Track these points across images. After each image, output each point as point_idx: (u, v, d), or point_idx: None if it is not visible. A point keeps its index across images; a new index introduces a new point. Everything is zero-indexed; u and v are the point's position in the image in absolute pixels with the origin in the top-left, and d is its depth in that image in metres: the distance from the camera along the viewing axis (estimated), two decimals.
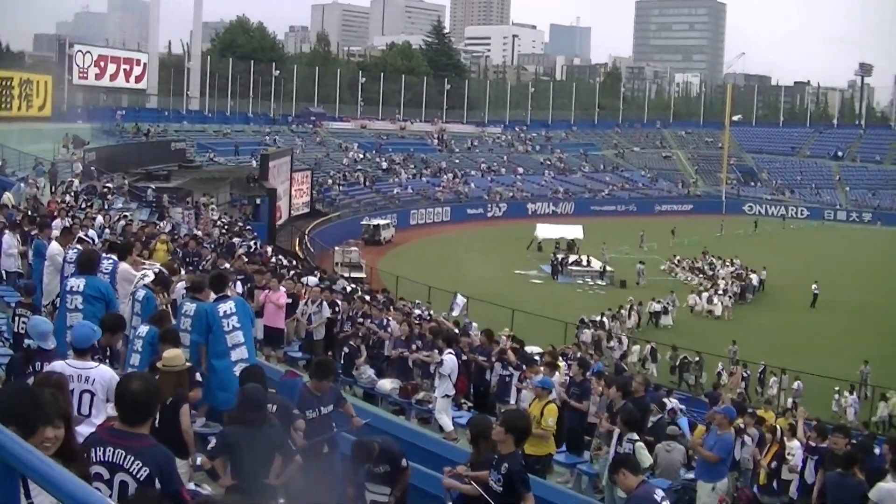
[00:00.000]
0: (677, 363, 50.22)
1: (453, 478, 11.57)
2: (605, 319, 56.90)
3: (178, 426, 10.86)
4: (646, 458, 16.02)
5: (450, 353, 21.98)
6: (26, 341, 12.71)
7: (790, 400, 43.58)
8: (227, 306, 14.84)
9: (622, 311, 60.04)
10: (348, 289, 38.09)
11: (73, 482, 4.20)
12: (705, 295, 67.90)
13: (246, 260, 36.26)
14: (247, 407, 10.86)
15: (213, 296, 15.53)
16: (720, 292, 68.45)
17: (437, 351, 22.51)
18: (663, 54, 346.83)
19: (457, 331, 29.52)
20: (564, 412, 18.26)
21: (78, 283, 14.81)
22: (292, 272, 39.25)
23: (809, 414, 27.01)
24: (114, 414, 8.14)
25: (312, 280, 37.43)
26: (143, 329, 14.10)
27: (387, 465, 12.51)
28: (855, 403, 44.22)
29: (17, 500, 4.37)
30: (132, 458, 7.14)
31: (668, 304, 63.54)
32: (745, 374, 47.56)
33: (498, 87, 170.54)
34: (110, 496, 6.84)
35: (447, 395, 21.86)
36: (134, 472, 7.11)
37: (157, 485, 7.18)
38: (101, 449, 7.19)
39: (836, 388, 45.29)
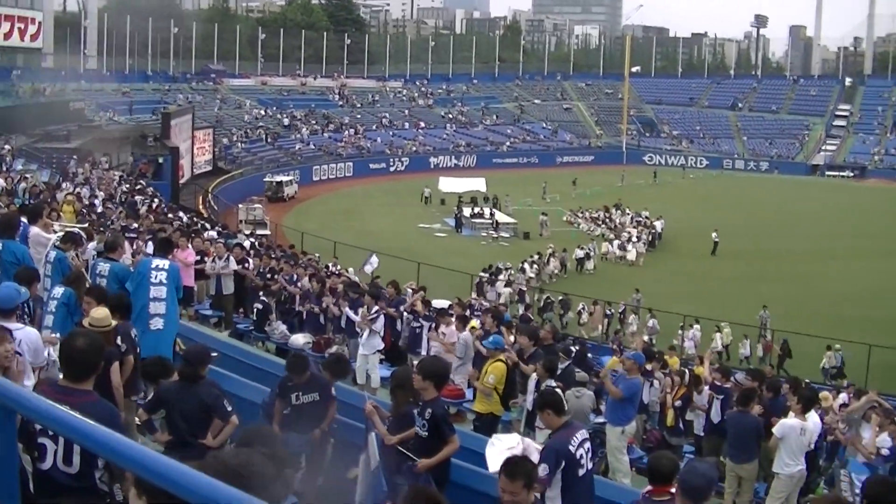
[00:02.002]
0: (542, 304, 51.71)
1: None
2: (525, 266, 58.40)
3: (109, 384, 10.99)
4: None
5: (377, 309, 22.34)
6: None
7: (646, 337, 44.42)
8: (163, 263, 15.06)
9: (543, 257, 61.53)
10: (246, 244, 38.00)
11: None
12: (616, 242, 69.67)
13: (153, 219, 36.18)
14: (185, 363, 11.10)
15: (125, 255, 15.67)
16: (633, 240, 70.10)
17: (366, 307, 22.64)
18: (562, 6, 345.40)
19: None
20: (515, 372, 18.51)
21: None
22: (192, 229, 39.22)
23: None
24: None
25: (212, 234, 37.47)
26: (58, 290, 13.95)
27: (316, 393, 12.88)
28: (694, 337, 46.05)
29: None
30: (77, 413, 7.32)
31: (590, 250, 65.65)
32: (607, 313, 50.24)
33: (398, 41, 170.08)
34: (55, 451, 7.01)
35: (378, 351, 22.18)
36: None
37: None
38: None
39: (680, 324, 47.27)
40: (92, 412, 7.37)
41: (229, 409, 11.05)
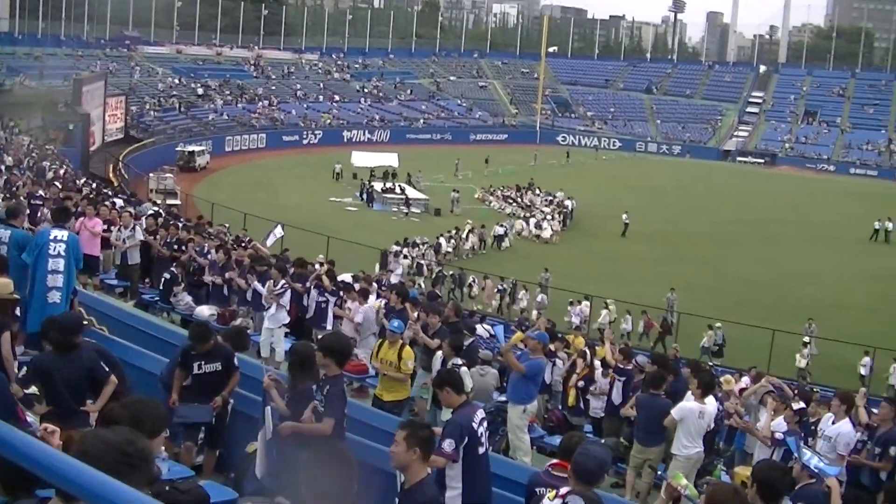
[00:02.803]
0: (434, 277, 52.78)
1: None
2: (441, 241, 59.08)
3: None
4: (469, 382, 16.47)
5: (284, 283, 22.33)
6: None
7: (535, 312, 46.09)
8: (61, 234, 14.88)
9: (462, 233, 62.49)
10: (150, 211, 37.71)
11: None
12: (533, 220, 70.59)
13: (59, 187, 35.79)
14: (57, 332, 10.98)
15: (26, 222, 15.55)
16: (549, 218, 71.20)
17: (273, 281, 22.60)
18: None
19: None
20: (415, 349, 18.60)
21: None
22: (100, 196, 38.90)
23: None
24: None
25: (118, 202, 37.16)
26: None
27: (218, 363, 12.82)
28: (581, 313, 46.59)
29: None
30: None
31: (507, 227, 66.98)
32: (499, 288, 51.13)
33: (315, 13, 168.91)
34: None
35: (283, 325, 22.18)
36: None
37: None
38: None
39: (569, 300, 48.04)
40: None
41: (107, 370, 10.99)
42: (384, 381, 17.67)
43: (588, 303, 47.57)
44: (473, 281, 52.42)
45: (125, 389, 10.94)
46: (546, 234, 68.70)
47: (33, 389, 10.81)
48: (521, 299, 50.17)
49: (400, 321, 18.16)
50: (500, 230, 65.68)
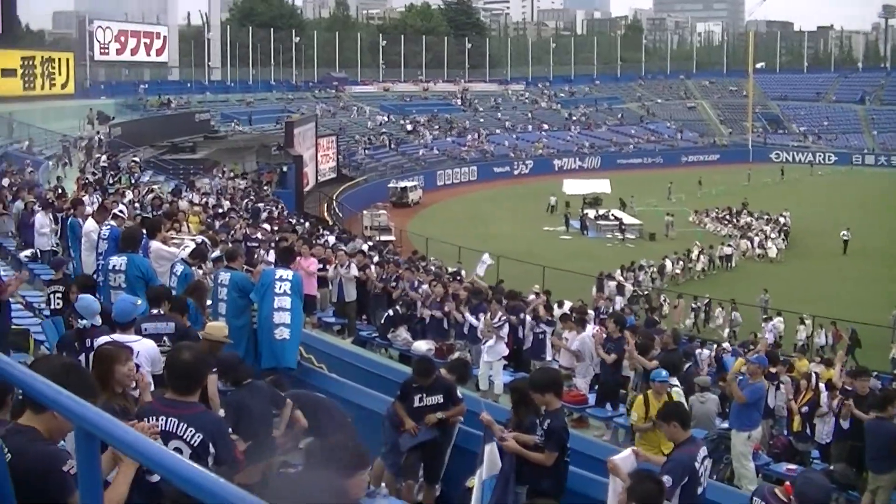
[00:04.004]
0: (629, 298, 51.80)
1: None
2: (666, 262, 60.02)
3: (206, 394, 11.09)
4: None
5: (502, 315, 22.34)
6: (80, 321, 12.90)
7: (727, 330, 47.26)
8: (286, 273, 15.13)
9: (692, 254, 63.37)
10: (364, 248, 38.22)
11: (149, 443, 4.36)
12: (756, 239, 70.35)
13: (268, 228, 36.58)
14: (228, 370, 11.14)
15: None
16: (772, 236, 71.03)
17: (490, 314, 22.60)
18: (684, 4, 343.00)
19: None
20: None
21: (120, 261, 14.94)
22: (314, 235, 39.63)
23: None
24: None
25: (331, 239, 37.74)
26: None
27: (440, 395, 12.82)
28: (774, 329, 46.13)
29: (96, 466, 4.53)
30: (185, 426, 7.42)
31: (734, 247, 67.66)
32: (693, 307, 51.39)
33: (519, 43, 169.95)
34: None
35: (502, 358, 22.16)
36: (188, 439, 7.37)
37: (211, 449, 7.43)
38: (154, 418, 7.41)
39: (764, 317, 48.75)
40: (200, 424, 7.45)
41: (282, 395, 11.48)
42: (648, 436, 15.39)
43: (781, 318, 47.02)
44: (664, 300, 52.46)
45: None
46: (772, 252, 68.39)
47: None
48: (717, 317, 50.31)
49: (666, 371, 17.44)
50: (728, 250, 66.22)
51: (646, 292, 53.32)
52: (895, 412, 16.10)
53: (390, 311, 25.47)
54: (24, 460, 5.19)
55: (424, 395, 12.79)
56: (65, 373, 6.11)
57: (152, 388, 9.23)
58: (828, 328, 46.52)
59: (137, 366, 9.88)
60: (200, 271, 16.72)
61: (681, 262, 61.31)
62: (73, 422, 4.61)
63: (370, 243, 43.70)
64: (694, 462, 10.08)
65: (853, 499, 17.02)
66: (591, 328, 22.81)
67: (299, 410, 11.38)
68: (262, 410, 10.88)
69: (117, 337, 10.36)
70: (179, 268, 16.02)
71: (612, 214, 79.77)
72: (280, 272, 15.25)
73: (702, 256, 63.35)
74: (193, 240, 18.71)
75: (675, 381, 16.78)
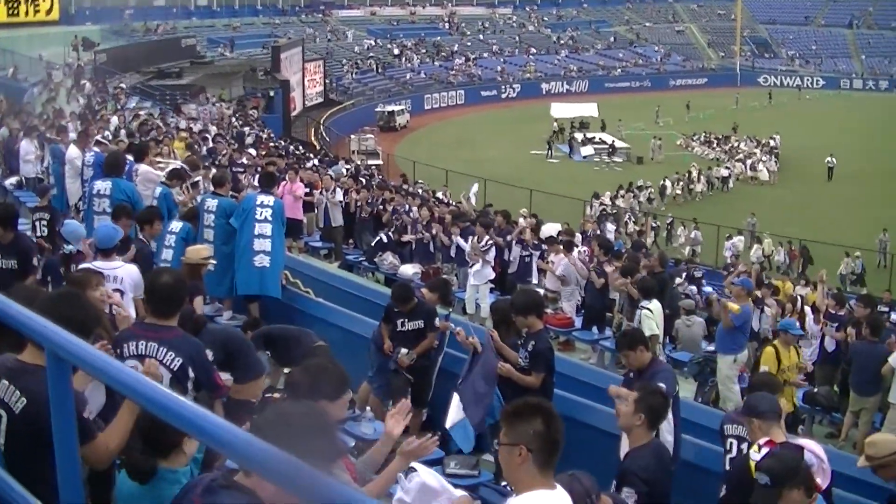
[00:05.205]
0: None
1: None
2: (667, 183, 61.52)
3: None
4: (647, 329, 16.03)
5: (489, 239, 22.37)
6: (65, 246, 12.86)
7: (688, 248, 48.87)
8: (268, 199, 15.11)
9: (691, 174, 64.15)
10: (344, 171, 38.24)
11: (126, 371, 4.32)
12: (749, 162, 70.77)
13: (255, 154, 36.53)
14: (280, 344, 11.39)
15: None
16: (763, 159, 71.50)
17: (477, 237, 22.64)
18: None
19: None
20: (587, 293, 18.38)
21: (104, 185, 14.91)
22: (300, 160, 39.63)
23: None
24: None
25: (314, 162, 37.75)
26: (177, 225, 14.57)
27: (420, 320, 13.05)
28: (733, 247, 47.42)
29: (68, 391, 4.48)
30: (164, 349, 7.38)
31: (731, 169, 68.41)
32: (653, 225, 52.25)
33: None
34: None
35: (489, 281, 22.19)
36: (167, 363, 7.35)
37: (190, 373, 7.41)
38: (134, 343, 7.40)
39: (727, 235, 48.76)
40: (179, 348, 7.41)
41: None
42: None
43: (741, 237, 48.13)
44: (629, 219, 52.71)
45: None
46: (763, 175, 68.85)
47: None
48: (679, 236, 51.42)
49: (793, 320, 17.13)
50: (725, 172, 66.92)
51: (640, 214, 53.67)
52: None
53: (382, 236, 25.45)
54: (43, 408, 4.80)
55: (406, 321, 13.02)
56: (61, 301, 6.11)
57: (134, 317, 9.17)
58: (785, 248, 47.73)
59: (121, 292, 9.87)
60: (177, 189, 16.69)
61: (681, 184, 61.97)
62: (42, 345, 4.56)
63: (347, 167, 43.47)
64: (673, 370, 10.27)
65: (836, 420, 17.17)
66: (577, 251, 22.82)
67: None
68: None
69: (100, 263, 10.33)
70: (158, 189, 16.03)
71: (600, 138, 79.65)
72: (261, 198, 15.23)
73: (701, 177, 63.92)
74: (175, 166, 18.67)
75: (653, 303, 16.83)
